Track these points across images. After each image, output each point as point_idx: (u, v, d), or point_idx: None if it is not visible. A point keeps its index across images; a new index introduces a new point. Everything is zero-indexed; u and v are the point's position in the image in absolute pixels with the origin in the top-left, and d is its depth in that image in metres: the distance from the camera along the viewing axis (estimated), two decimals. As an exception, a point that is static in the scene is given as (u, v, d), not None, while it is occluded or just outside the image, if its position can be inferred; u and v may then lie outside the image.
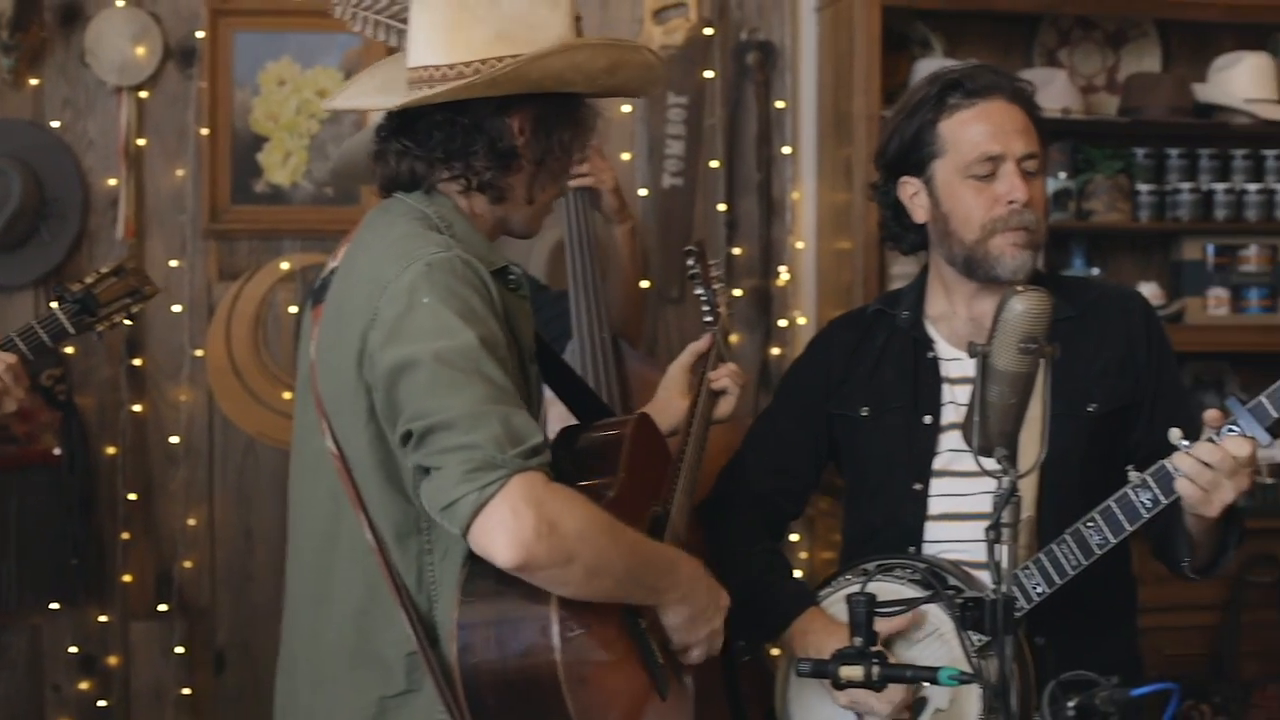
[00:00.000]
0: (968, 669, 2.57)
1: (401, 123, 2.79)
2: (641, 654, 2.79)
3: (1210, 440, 2.91)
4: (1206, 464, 2.89)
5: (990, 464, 2.58)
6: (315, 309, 2.83)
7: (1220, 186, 5.76)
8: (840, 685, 2.63)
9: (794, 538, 5.46)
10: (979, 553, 3.07)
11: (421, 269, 2.60)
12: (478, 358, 2.54)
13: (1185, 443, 2.92)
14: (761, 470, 3.49)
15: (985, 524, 2.91)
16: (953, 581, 3.12)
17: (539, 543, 2.47)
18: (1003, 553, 2.52)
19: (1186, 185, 5.74)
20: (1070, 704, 2.52)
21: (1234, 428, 2.91)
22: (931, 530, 3.29)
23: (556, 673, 2.56)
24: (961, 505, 3.25)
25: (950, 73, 3.33)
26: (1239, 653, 5.44)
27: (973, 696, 3.05)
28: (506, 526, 2.46)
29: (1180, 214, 5.75)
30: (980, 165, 3.24)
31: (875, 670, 2.57)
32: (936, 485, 3.30)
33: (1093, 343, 3.32)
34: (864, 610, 2.58)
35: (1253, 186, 5.77)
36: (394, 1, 2.95)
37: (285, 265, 5.33)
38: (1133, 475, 2.97)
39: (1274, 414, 2.91)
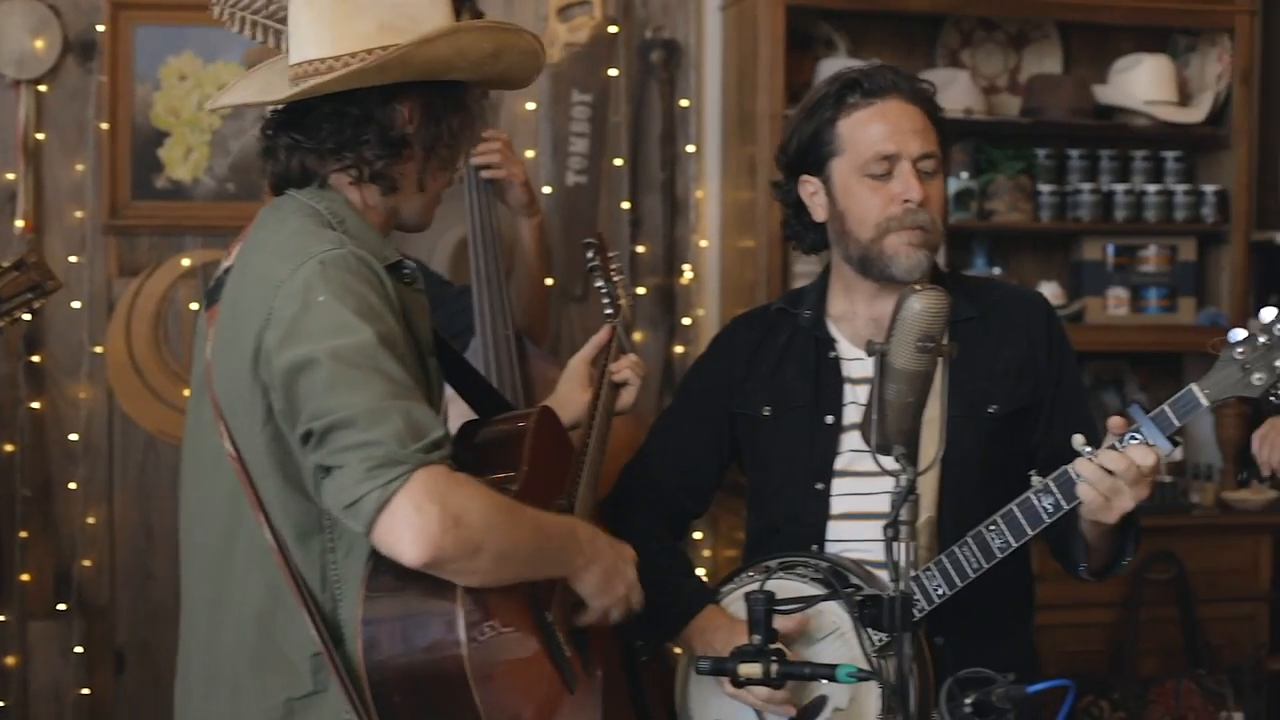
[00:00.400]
0: (869, 661, 2.58)
1: (289, 117, 2.77)
2: (549, 647, 2.79)
3: (1114, 448, 2.92)
4: (1109, 471, 2.91)
5: (889, 463, 2.59)
6: (210, 309, 2.80)
7: (1120, 187, 5.81)
8: (739, 683, 2.63)
9: (697, 536, 5.47)
10: (881, 551, 3.10)
11: (315, 267, 2.58)
12: (375, 354, 2.52)
13: (1088, 449, 2.94)
14: (664, 469, 3.49)
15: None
16: (854, 580, 3.13)
17: (445, 536, 2.46)
18: (901, 551, 2.53)
19: (1087, 186, 5.79)
20: (967, 701, 2.53)
21: (1136, 435, 2.92)
22: (834, 529, 3.29)
23: (463, 667, 2.54)
24: (863, 505, 3.25)
25: (850, 72, 3.34)
26: (1138, 649, 5.48)
27: (872, 696, 3.07)
28: (411, 523, 2.44)
29: (1081, 214, 5.80)
30: (876, 164, 3.25)
31: (774, 668, 2.58)
32: (838, 485, 3.30)
33: (994, 344, 3.34)
34: (762, 608, 2.58)
35: (1152, 187, 5.83)
36: (271, 1, 2.93)
37: (186, 262, 5.29)
38: (1035, 480, 2.98)
39: (1176, 423, 2.92)
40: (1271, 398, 2.87)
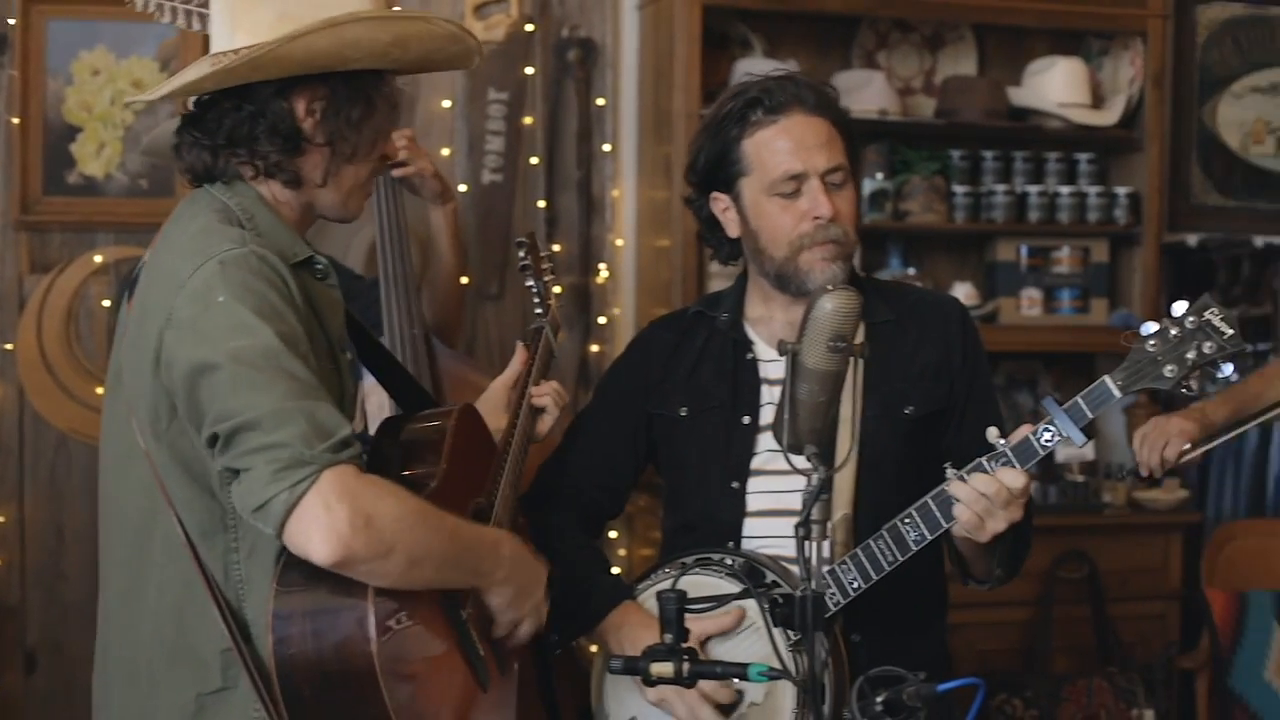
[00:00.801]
0: (781, 660, 2.59)
1: (197, 113, 2.75)
2: (462, 645, 2.78)
3: (984, 470, 2.96)
4: (981, 494, 2.94)
5: (800, 462, 2.59)
6: (130, 302, 2.77)
7: (1034, 189, 5.85)
8: (651, 682, 2.63)
9: (613, 535, 5.47)
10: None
11: (215, 267, 2.56)
12: (278, 355, 2.50)
13: (1002, 441, 2.96)
14: (580, 468, 3.48)
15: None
16: (770, 576, 3.14)
17: (356, 537, 2.45)
18: (813, 549, 2.53)
19: (1001, 187, 5.82)
20: (878, 699, 2.54)
21: (1050, 428, 2.95)
22: (750, 526, 3.30)
23: (373, 665, 2.53)
24: (780, 502, 3.25)
25: (753, 88, 3.32)
26: (1050, 648, 5.52)
27: (789, 689, 3.07)
28: (321, 523, 2.43)
29: (995, 215, 5.83)
30: (784, 184, 3.25)
31: (686, 667, 2.58)
32: (754, 483, 3.31)
33: (910, 347, 3.36)
34: (674, 607, 2.58)
35: (1065, 189, 5.87)
36: None
37: (99, 258, 5.24)
38: (950, 473, 2.99)
39: (1089, 414, 2.95)
40: (1183, 389, 2.90)
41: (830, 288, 2.59)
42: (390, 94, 2.81)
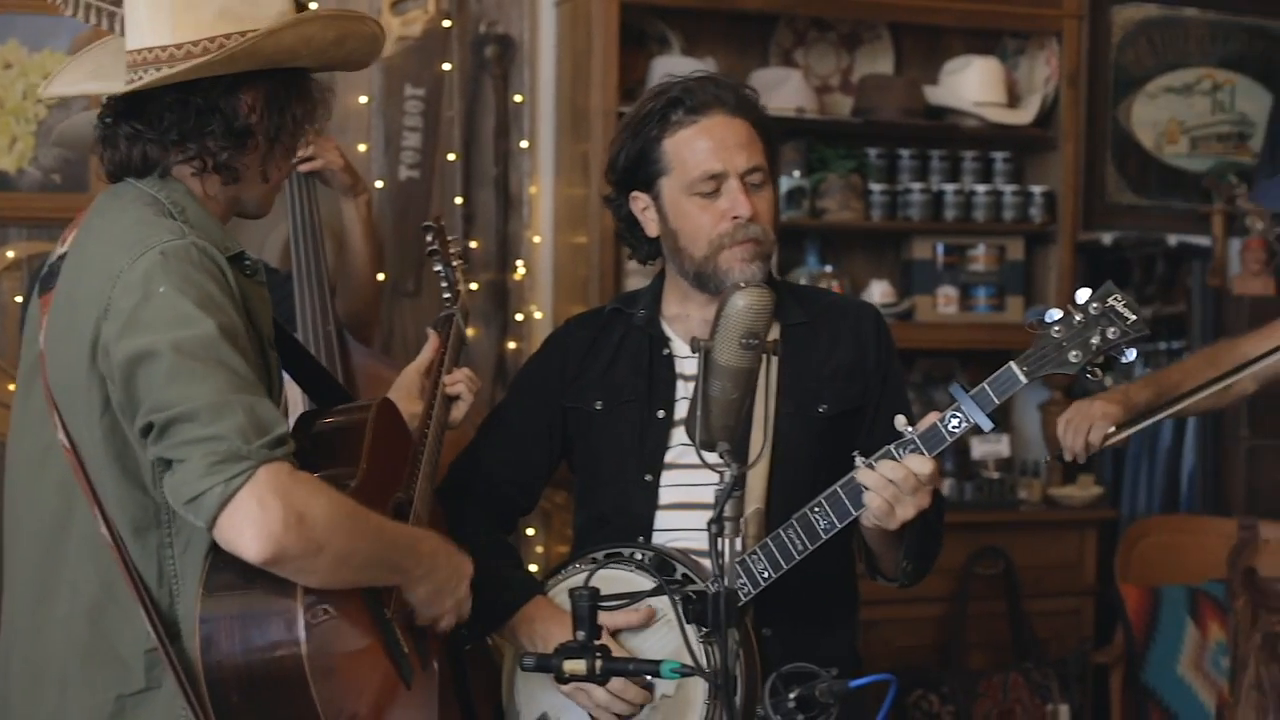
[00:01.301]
0: (693, 657, 2.59)
1: (130, 106, 2.73)
2: (386, 643, 2.78)
3: (892, 457, 2.98)
4: (889, 480, 2.96)
5: (712, 458, 2.60)
6: (44, 296, 2.75)
7: (950, 187, 5.88)
8: (564, 679, 2.63)
9: (529, 532, 5.46)
10: (707, 540, 3.13)
11: (156, 257, 2.55)
12: (217, 347, 2.49)
13: (909, 428, 2.99)
14: (494, 463, 3.48)
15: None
16: (680, 570, 3.15)
17: (288, 534, 2.44)
18: (725, 545, 2.54)
19: (918, 185, 5.84)
20: (790, 695, 2.55)
21: (958, 414, 2.98)
22: (661, 519, 3.31)
23: (302, 666, 2.53)
24: (692, 495, 3.27)
25: (673, 88, 3.34)
26: (966, 643, 5.55)
27: (700, 681, 3.07)
28: (254, 519, 2.42)
29: (911, 214, 5.86)
30: (703, 183, 3.26)
31: (598, 664, 2.58)
32: (668, 477, 3.32)
33: (824, 348, 3.38)
34: (586, 604, 2.58)
35: (981, 188, 5.90)
36: None
37: (11, 254, 5.18)
38: (859, 460, 2.99)
39: (995, 400, 2.96)
40: (1088, 375, 2.94)
41: (742, 285, 2.61)
42: (322, 93, 2.84)
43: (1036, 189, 5.93)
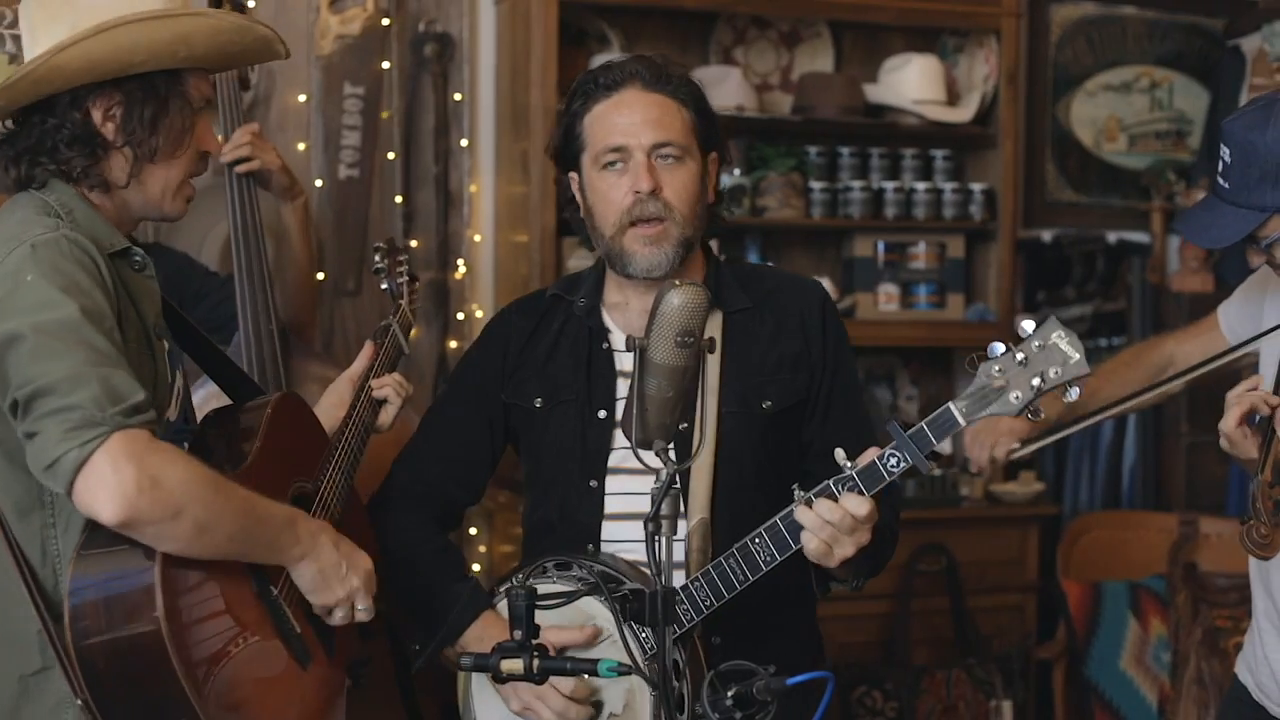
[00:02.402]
0: (634, 663, 2.57)
1: (14, 129, 2.84)
2: (276, 622, 2.79)
3: (831, 496, 2.90)
4: (826, 521, 2.89)
5: (650, 458, 2.59)
6: None
7: (890, 185, 5.88)
8: (501, 679, 2.61)
9: (472, 531, 5.44)
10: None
11: (27, 250, 2.63)
12: (78, 327, 2.56)
13: (849, 464, 2.90)
14: (434, 459, 3.44)
15: (663, 522, 2.92)
16: (628, 585, 3.04)
17: (141, 497, 2.49)
18: (661, 546, 2.53)
19: (858, 183, 5.84)
20: (728, 694, 2.55)
21: (895, 453, 2.89)
22: (609, 529, 3.26)
23: (161, 637, 2.55)
24: (638, 504, 3.15)
25: (601, 67, 3.33)
26: (909, 640, 5.55)
27: (647, 699, 3.05)
28: (107, 482, 2.48)
29: (851, 211, 5.86)
30: (608, 155, 3.23)
31: (535, 663, 2.57)
32: (613, 483, 3.26)
33: (768, 336, 3.32)
34: (523, 604, 2.57)
35: (921, 185, 5.90)
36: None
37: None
38: (798, 494, 2.93)
39: (934, 442, 2.89)
40: (1029, 415, 2.86)
41: (678, 283, 2.60)
42: (187, 92, 2.85)
43: (976, 187, 5.94)
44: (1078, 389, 2.84)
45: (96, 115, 2.77)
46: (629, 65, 3.28)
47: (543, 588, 3.02)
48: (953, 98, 5.97)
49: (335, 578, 2.87)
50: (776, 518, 2.98)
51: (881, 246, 5.93)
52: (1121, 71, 6.57)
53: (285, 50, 2.96)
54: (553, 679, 2.98)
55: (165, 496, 2.52)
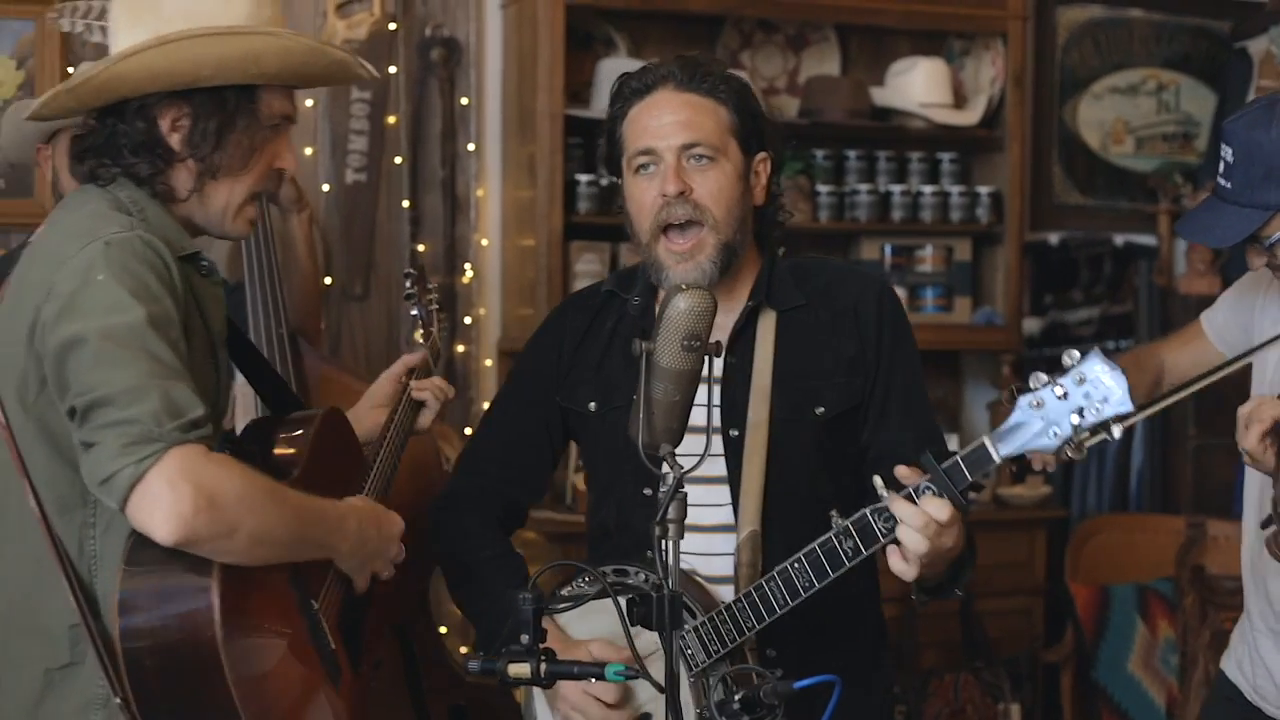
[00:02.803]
0: (644, 672, 2.55)
1: (93, 121, 2.79)
2: (313, 636, 2.79)
3: (911, 499, 2.75)
4: (911, 524, 2.74)
5: (662, 462, 2.58)
6: (2, 286, 2.81)
7: (897, 188, 5.89)
8: (509, 683, 2.61)
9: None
10: (713, 566, 3.07)
11: (100, 247, 2.58)
12: (144, 334, 2.51)
13: (884, 493, 2.78)
14: (492, 460, 3.37)
15: (718, 534, 2.95)
16: (686, 600, 2.86)
17: (197, 516, 2.45)
18: (669, 549, 2.52)
19: (865, 187, 5.85)
20: (736, 697, 2.55)
21: (931, 487, 2.75)
22: None
23: (217, 646, 2.53)
24: (694, 514, 2.81)
25: (641, 69, 3.23)
26: (917, 643, 5.55)
27: (693, 713, 2.97)
28: (162, 501, 2.44)
29: (859, 215, 5.86)
30: (639, 158, 3.13)
31: (543, 667, 2.57)
32: None
33: (823, 335, 3.20)
34: (531, 608, 2.57)
35: (928, 188, 5.91)
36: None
37: (-46, 260, 5.15)
38: (836, 521, 2.83)
39: (969, 477, 2.75)
40: (1068, 453, 2.71)
41: (684, 286, 2.59)
42: (258, 109, 2.76)
43: (983, 189, 5.94)
44: (1119, 427, 2.68)
45: (164, 124, 2.71)
46: (663, 66, 3.17)
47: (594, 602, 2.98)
48: (959, 101, 5.98)
49: (378, 554, 2.89)
50: (814, 544, 2.86)
51: (888, 250, 5.94)
52: (1128, 74, 6.57)
53: (369, 72, 2.89)
54: (593, 688, 2.99)
55: (221, 514, 2.48)
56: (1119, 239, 6.47)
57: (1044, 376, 2.70)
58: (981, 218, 5.94)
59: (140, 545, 2.57)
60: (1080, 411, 2.65)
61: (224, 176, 2.77)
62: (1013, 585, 5.78)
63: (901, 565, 2.77)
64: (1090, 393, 2.65)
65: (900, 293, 5.77)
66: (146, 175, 2.73)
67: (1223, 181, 3.23)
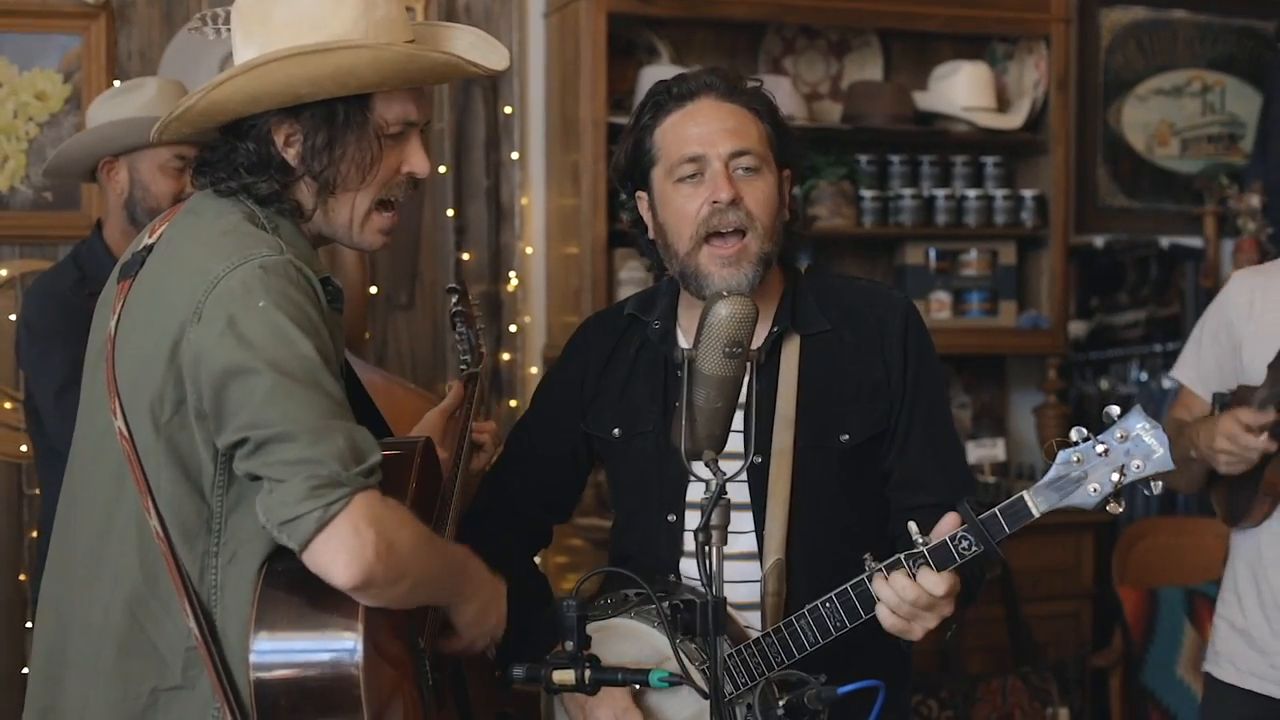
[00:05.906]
0: (688, 679, 2.55)
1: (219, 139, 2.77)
2: (417, 672, 2.79)
3: (909, 574, 2.79)
4: (902, 599, 2.79)
5: (700, 469, 2.58)
6: (122, 283, 2.74)
7: (941, 192, 5.88)
8: (552, 690, 2.61)
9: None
10: (737, 593, 3.03)
11: (256, 270, 2.53)
12: (316, 370, 2.50)
13: (920, 538, 2.80)
14: (518, 485, 3.37)
15: (742, 561, 2.93)
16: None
17: (379, 562, 2.47)
18: (713, 556, 2.52)
19: (908, 191, 5.85)
20: (780, 703, 2.55)
21: (968, 537, 2.79)
22: (687, 566, 3.14)
23: (359, 687, 2.55)
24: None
25: (672, 80, 3.20)
26: (964, 648, 5.54)
27: None
28: (348, 545, 2.45)
29: (903, 219, 5.86)
30: (684, 166, 3.10)
31: (587, 674, 2.58)
32: (692, 518, 3.13)
33: (847, 360, 3.18)
34: (573, 615, 2.58)
35: (972, 192, 5.90)
36: None
37: (4, 272, 5.18)
38: (870, 564, 2.84)
39: (1007, 531, 2.81)
40: (1108, 508, 2.77)
41: (725, 293, 2.59)
42: (371, 119, 2.70)
43: (1028, 193, 5.93)
44: (1160, 484, 2.74)
45: (279, 140, 2.67)
46: (702, 76, 3.16)
47: (620, 620, 3.03)
48: (1003, 104, 5.97)
49: (490, 608, 2.87)
50: (848, 585, 2.89)
51: (933, 254, 5.94)
52: (1173, 75, 6.55)
53: (480, 68, 2.81)
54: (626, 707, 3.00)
55: (397, 561, 2.50)
56: (1164, 241, 6.45)
57: (1085, 431, 2.74)
58: (1026, 221, 5.93)
59: (272, 584, 2.58)
60: (1122, 469, 2.71)
61: (341, 190, 2.71)
62: (1060, 589, 5.77)
63: (900, 623, 2.83)
64: (1132, 449, 2.71)
65: (945, 297, 5.83)
66: (267, 194, 2.68)
67: None
